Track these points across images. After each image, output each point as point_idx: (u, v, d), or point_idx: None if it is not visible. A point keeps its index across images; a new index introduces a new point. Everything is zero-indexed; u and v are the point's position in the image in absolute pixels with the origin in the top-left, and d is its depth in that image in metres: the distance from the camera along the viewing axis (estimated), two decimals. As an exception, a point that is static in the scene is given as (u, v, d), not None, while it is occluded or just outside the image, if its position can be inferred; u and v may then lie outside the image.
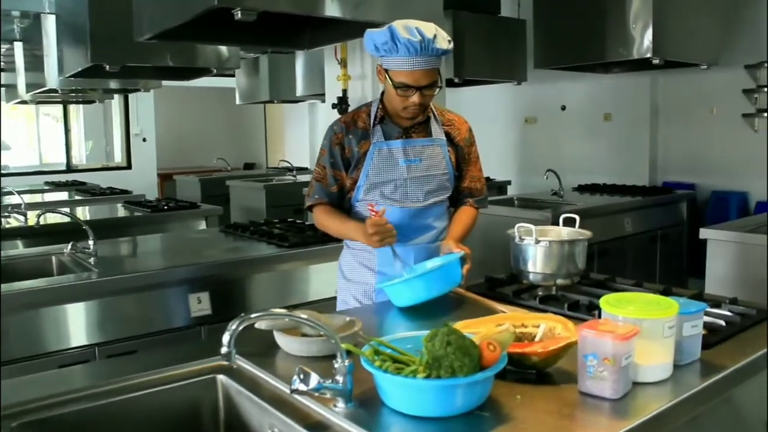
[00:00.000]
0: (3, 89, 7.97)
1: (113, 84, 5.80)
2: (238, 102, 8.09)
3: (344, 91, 4.65)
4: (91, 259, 2.82)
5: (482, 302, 1.94)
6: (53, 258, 3.06)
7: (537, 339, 1.39)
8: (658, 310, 1.30)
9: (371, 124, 2.12)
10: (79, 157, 10.59)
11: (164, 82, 5.80)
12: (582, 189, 5.36)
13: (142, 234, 3.99)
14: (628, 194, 5.01)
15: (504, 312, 1.80)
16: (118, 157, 9.98)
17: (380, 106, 2.14)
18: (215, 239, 3.46)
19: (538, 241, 1.93)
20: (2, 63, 7.44)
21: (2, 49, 7.22)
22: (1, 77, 7.76)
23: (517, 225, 2.00)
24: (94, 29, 3.68)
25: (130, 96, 9.44)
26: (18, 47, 6.32)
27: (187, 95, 10.60)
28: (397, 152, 2.10)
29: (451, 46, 1.98)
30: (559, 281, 1.97)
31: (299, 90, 6.48)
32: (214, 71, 4.43)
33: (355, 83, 4.56)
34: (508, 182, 6.44)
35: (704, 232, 3.31)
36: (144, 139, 9.80)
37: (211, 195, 7.66)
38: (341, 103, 4.64)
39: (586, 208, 4.34)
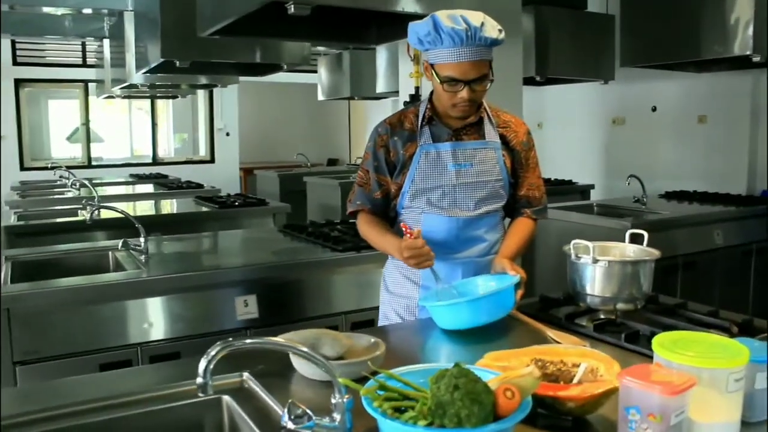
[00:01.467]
0: (95, 84, 8.29)
1: (192, 80, 5.89)
2: (320, 98, 8.08)
3: (416, 89, 4.49)
4: (142, 257, 2.79)
5: (532, 325, 1.74)
6: (110, 254, 3.06)
7: (576, 380, 1.20)
8: (722, 357, 1.07)
9: (419, 125, 1.96)
10: (168, 150, 10.92)
11: (246, 78, 5.84)
12: (670, 196, 4.97)
13: (208, 230, 3.99)
14: (720, 203, 4.59)
15: (556, 341, 1.61)
16: (203, 151, 10.20)
17: (429, 106, 1.97)
18: (272, 240, 3.39)
19: (596, 261, 1.71)
20: (94, 59, 7.75)
21: (94, 46, 7.54)
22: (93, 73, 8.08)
23: (573, 241, 1.78)
24: (165, 25, 3.70)
25: (215, 91, 9.62)
26: (106, 44, 6.53)
27: (271, 91, 10.72)
28: (446, 155, 1.93)
29: (503, 35, 1.80)
30: (620, 306, 1.74)
31: (380, 86, 6.40)
32: (285, 67, 4.39)
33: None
34: (592, 186, 6.09)
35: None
36: (227, 134, 9.98)
37: (290, 191, 7.69)
38: (413, 101, 4.49)
39: (671, 217, 4.00)
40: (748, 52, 3.75)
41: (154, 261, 2.80)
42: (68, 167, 8.05)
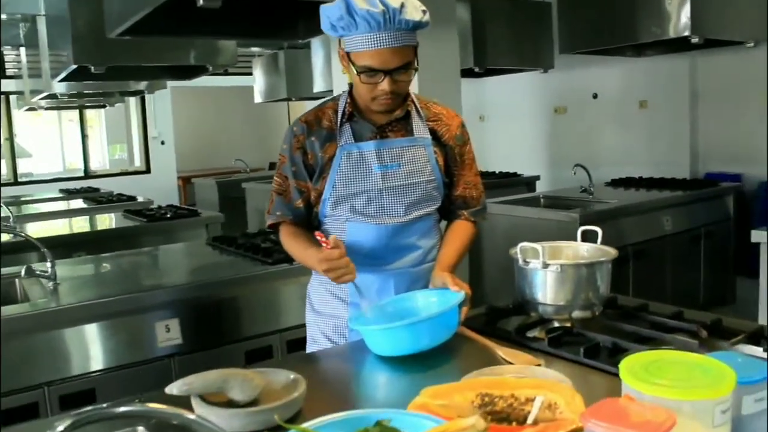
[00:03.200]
0: (14, 96, 7.82)
1: (115, 87, 5.55)
2: (257, 100, 7.79)
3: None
4: (50, 284, 2.50)
5: (480, 342, 1.54)
6: (17, 281, 2.75)
7: (530, 420, 0.99)
8: (705, 384, 0.88)
9: (338, 123, 1.72)
10: (103, 162, 10.45)
11: (178, 83, 5.49)
12: (616, 183, 4.88)
13: (138, 245, 3.70)
14: (667, 188, 4.52)
15: (507, 361, 1.41)
16: (138, 162, 9.78)
17: (348, 101, 1.73)
18: (198, 254, 3.12)
19: (546, 265, 1.52)
20: (13, 69, 7.31)
21: (12, 55, 7.10)
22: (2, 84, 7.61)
23: (519, 245, 1.58)
24: (77, 29, 3.42)
25: (147, 99, 9.23)
26: (22, 52, 6.14)
27: (206, 96, 10.36)
28: (370, 156, 1.70)
29: (427, 17, 1.59)
30: (577, 314, 1.55)
31: (317, 86, 6.18)
32: (210, 69, 4.13)
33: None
34: (537, 177, 5.98)
35: (757, 235, 2.84)
36: (162, 142, 9.59)
37: (229, 197, 7.40)
38: (347, 99, 4.27)
39: (620, 206, 3.88)
40: (686, 33, 3.65)
41: (64, 287, 2.50)
42: (-9, 186, 7.58)
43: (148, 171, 9.60)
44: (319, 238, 1.58)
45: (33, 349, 2.21)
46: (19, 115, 8.97)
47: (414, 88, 4.16)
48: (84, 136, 9.51)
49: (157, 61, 3.78)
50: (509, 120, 6.91)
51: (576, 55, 4.58)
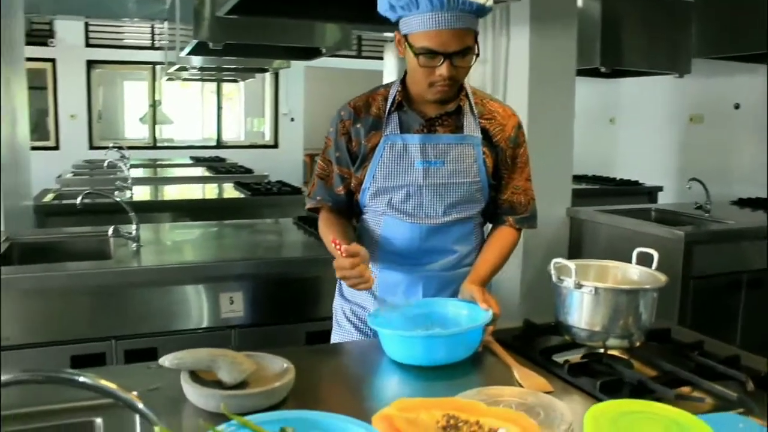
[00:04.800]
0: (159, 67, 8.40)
1: (241, 63, 5.78)
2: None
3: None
4: (133, 245, 2.64)
5: (502, 359, 1.45)
6: (111, 240, 2.93)
7: (484, 453, 0.91)
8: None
9: (386, 111, 1.66)
10: (239, 134, 10.97)
11: (311, 63, 5.62)
12: (743, 203, 4.44)
13: (237, 217, 3.82)
14: (802, 214, 4.05)
15: (519, 383, 1.31)
16: (268, 136, 10.18)
17: (400, 89, 1.67)
18: (281, 232, 3.19)
19: (579, 286, 1.39)
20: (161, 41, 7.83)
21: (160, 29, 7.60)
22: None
23: (554, 260, 1.46)
24: (198, 6, 3.58)
25: (281, 76, 9.57)
26: (166, 26, 6.56)
27: (338, 77, 10.56)
28: (414, 149, 1.62)
29: (491, 2, 1.50)
30: (612, 342, 1.41)
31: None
32: (324, 51, 4.22)
33: (475, 68, 4.06)
34: (660, 188, 5.58)
35: None
36: (292, 119, 9.91)
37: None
38: (457, 90, 4.18)
39: (736, 227, 3.52)
40: None
41: (146, 249, 2.65)
42: (134, 147, 8.21)
43: (276, 146, 9.97)
44: (334, 245, 1.53)
45: (107, 303, 2.36)
46: (168, 85, 9.62)
47: (524, 84, 4.01)
48: (219, 108, 10.02)
49: (271, 41, 3.89)
50: (640, 125, 6.49)
51: (716, 61, 4.21)
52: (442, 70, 1.51)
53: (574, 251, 3.79)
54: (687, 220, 3.76)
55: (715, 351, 1.45)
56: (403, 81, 1.68)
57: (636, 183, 5.61)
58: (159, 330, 2.40)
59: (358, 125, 1.67)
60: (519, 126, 1.72)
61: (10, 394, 1.23)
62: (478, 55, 1.54)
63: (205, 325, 2.46)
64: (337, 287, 1.87)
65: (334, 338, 1.83)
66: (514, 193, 1.73)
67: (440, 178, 1.63)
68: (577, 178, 5.88)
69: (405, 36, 1.54)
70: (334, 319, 1.86)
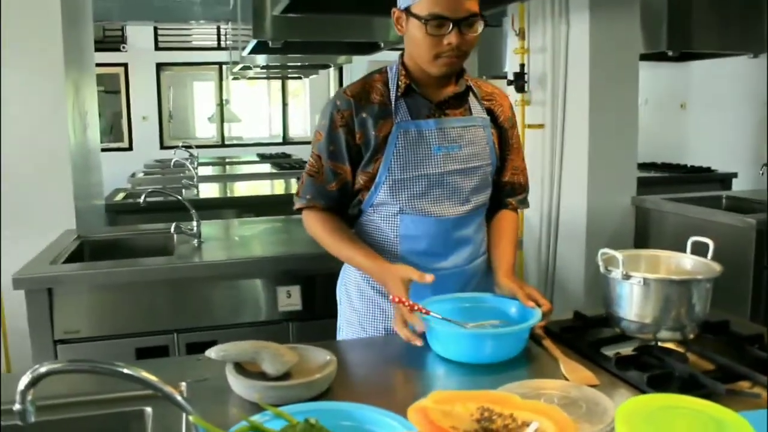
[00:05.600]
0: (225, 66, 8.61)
1: (301, 60, 5.86)
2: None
3: (522, 66, 4.12)
4: (194, 241, 2.72)
5: (551, 351, 1.42)
6: (175, 236, 3.03)
7: (516, 446, 0.89)
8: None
9: (392, 97, 1.57)
10: (305, 130, 11.12)
11: (374, 58, 5.68)
12: (824, 189, 4.20)
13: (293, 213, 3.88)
14: None
15: (565, 377, 1.29)
16: (333, 131, 10.28)
17: (403, 72, 1.58)
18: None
19: (627, 276, 1.34)
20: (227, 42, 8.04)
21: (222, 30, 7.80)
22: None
23: (601, 251, 1.41)
24: (257, 6, 3.65)
25: (345, 71, 9.63)
26: (230, 27, 6.73)
27: (401, 71, 10.59)
28: (430, 135, 1.55)
29: None
30: (663, 334, 1.36)
31: (508, 65, 6.03)
32: (382, 45, 4.27)
33: (535, 57, 4.01)
34: (734, 175, 5.33)
35: None
36: (355, 114, 9.97)
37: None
38: (517, 80, 4.11)
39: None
40: None
41: (207, 245, 2.72)
42: (202, 147, 8.45)
43: (340, 141, 10.07)
44: (399, 302, 1.41)
45: (170, 298, 2.44)
46: (235, 84, 9.84)
47: (585, 72, 3.91)
48: (285, 105, 10.18)
49: (329, 37, 3.94)
50: (712, 110, 6.22)
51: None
52: (451, 38, 1.46)
53: (641, 242, 3.67)
54: (760, 207, 3.58)
55: (774, 345, 1.38)
56: (401, 63, 1.61)
57: (708, 170, 5.39)
58: (219, 323, 2.47)
59: (363, 114, 1.57)
60: (512, 107, 1.71)
61: (64, 382, 1.30)
62: (486, 24, 1.49)
63: (263, 318, 2.51)
64: (341, 292, 1.81)
65: (347, 316, 1.76)
66: (514, 174, 1.71)
67: (459, 163, 1.58)
68: (646, 166, 5.69)
69: (407, 9, 1.49)
70: (344, 294, 1.77)
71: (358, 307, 1.70)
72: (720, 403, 1.08)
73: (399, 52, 1.64)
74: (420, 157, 1.56)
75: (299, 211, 1.71)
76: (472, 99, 1.63)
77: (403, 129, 1.56)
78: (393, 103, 1.57)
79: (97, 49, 4.17)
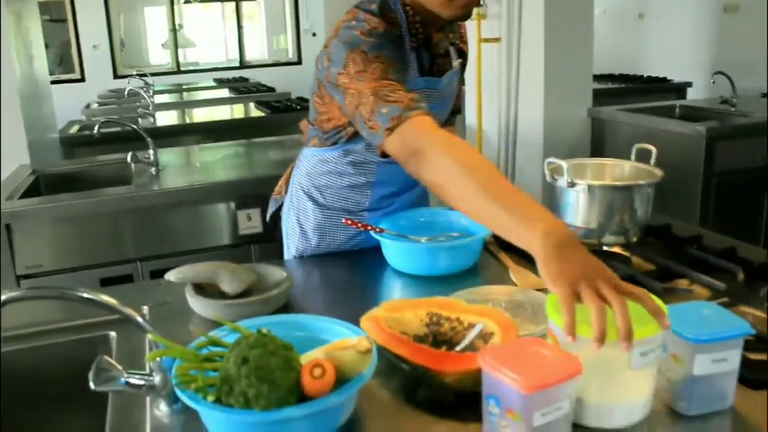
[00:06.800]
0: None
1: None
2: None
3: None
4: (153, 169, 2.71)
5: (501, 258, 1.48)
6: (132, 166, 3.00)
7: (459, 347, 0.95)
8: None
9: (407, 46, 1.36)
10: (262, 53, 10.85)
11: None
12: (776, 95, 4.29)
13: (260, 135, 3.80)
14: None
15: (513, 282, 1.35)
16: (291, 53, 10.04)
17: (417, 18, 1.35)
18: (294, 148, 3.21)
19: (572, 184, 1.39)
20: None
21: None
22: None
23: (547, 160, 1.45)
24: None
25: (301, -9, 9.35)
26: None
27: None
28: (432, 95, 1.41)
29: None
30: (607, 239, 1.42)
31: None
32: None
33: (491, 22, 3.90)
34: (689, 84, 5.40)
35: None
36: (314, 34, 9.71)
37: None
38: None
39: (763, 121, 3.41)
40: None
41: (165, 173, 2.71)
42: (157, 74, 8.21)
43: (299, 62, 9.85)
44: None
45: (132, 226, 2.44)
46: (187, 9, 9.48)
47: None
48: (240, 27, 9.89)
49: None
50: (670, 19, 6.21)
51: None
52: None
53: (597, 152, 3.74)
54: (711, 115, 3.66)
55: (711, 245, 1.45)
56: (404, 9, 1.36)
57: (663, 80, 5.44)
58: (182, 249, 2.49)
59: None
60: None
61: (28, 311, 1.32)
62: None
63: (226, 242, 2.54)
64: (289, 186, 1.68)
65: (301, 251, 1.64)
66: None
67: (442, 116, 1.51)
68: (604, 78, 5.72)
69: None
70: (296, 228, 1.64)
71: (315, 242, 1.60)
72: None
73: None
74: None
75: (391, 129, 1.17)
76: (451, 48, 1.50)
77: (413, 87, 1.33)
78: (408, 52, 1.37)
79: (36, -26, 3.97)
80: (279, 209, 1.74)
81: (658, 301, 0.82)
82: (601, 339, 0.76)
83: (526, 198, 0.98)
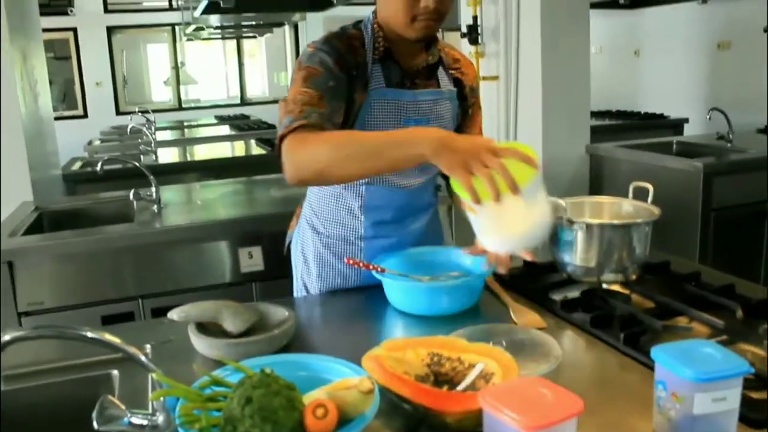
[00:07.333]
0: (177, 27, 8.41)
1: (256, 20, 5.76)
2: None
3: (474, 18, 4.13)
4: (154, 207, 2.73)
5: (502, 298, 1.49)
6: (134, 203, 3.01)
7: (461, 387, 0.96)
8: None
9: (368, 59, 1.44)
10: (263, 89, 10.97)
11: (330, 14, 5.58)
12: (771, 131, 4.34)
13: (260, 173, 3.83)
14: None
15: (513, 320, 1.35)
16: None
17: (380, 33, 1.44)
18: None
19: (570, 222, 1.41)
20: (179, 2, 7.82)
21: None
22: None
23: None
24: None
25: (300, 28, 9.49)
26: (180, -14, 6.55)
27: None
28: (405, 107, 1.46)
29: None
30: (607, 277, 1.43)
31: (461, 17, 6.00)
32: (335, 1, 4.22)
33: (488, 8, 4.01)
34: (685, 120, 5.46)
35: None
36: (314, 73, 9.86)
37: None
38: (471, 32, 4.13)
39: (758, 157, 3.45)
40: None
41: (167, 211, 2.73)
42: (159, 111, 8.30)
43: (299, 100, 9.96)
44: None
45: (133, 264, 2.45)
46: (189, 47, 9.62)
47: (536, 20, 3.92)
48: (241, 65, 10.02)
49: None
50: (665, 56, 6.31)
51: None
52: (428, 1, 1.35)
53: (595, 189, 3.77)
54: (708, 151, 3.70)
55: (710, 282, 1.46)
56: (374, 24, 1.46)
57: (660, 116, 5.51)
58: (183, 287, 2.50)
59: (354, 72, 1.42)
60: (477, 75, 1.67)
61: (30, 350, 1.33)
62: None
63: (227, 280, 2.55)
64: (297, 262, 1.74)
65: (304, 282, 1.69)
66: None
67: None
68: (601, 114, 5.79)
69: None
70: (300, 261, 1.69)
71: (316, 272, 1.64)
72: (658, 337, 1.18)
73: (371, 9, 1.50)
74: (391, 129, 1.39)
75: (285, 136, 1.32)
76: (441, 71, 1.55)
77: (380, 97, 1.44)
78: (369, 65, 1.44)
79: (42, 14, 4.04)
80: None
81: (526, 148, 1.12)
82: (497, 197, 1.06)
83: (395, 131, 1.28)
